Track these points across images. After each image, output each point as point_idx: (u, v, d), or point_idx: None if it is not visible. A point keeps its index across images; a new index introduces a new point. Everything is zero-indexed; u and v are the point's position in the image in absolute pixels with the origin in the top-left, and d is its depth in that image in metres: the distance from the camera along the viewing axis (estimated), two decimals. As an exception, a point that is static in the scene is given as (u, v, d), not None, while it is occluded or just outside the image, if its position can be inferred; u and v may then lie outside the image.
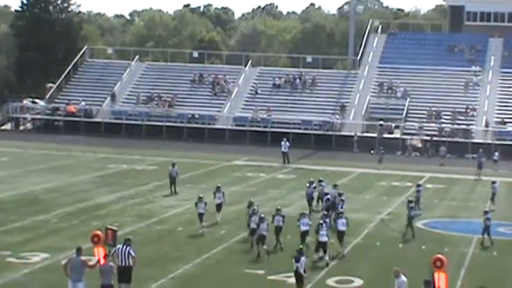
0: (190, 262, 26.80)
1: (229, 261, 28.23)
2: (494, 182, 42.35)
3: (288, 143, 56.49)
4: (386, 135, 65.28)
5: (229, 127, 68.49)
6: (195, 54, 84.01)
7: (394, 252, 30.98)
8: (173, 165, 42.39)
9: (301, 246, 24.77)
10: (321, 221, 28.80)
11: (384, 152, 55.92)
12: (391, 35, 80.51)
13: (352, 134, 65.78)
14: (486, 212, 32.57)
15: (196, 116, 69.60)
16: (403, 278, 21.51)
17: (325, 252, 28.02)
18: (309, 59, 78.69)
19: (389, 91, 70.86)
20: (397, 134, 66.02)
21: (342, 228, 29.59)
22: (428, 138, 63.92)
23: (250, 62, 78.00)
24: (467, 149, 62.90)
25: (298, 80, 73.59)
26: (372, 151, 63.33)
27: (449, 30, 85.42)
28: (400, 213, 37.86)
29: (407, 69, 73.39)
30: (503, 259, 30.41)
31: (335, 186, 37.65)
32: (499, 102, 68.54)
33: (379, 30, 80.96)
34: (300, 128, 66.53)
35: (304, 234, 29.36)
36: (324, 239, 28.07)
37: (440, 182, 48.89)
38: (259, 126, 67.73)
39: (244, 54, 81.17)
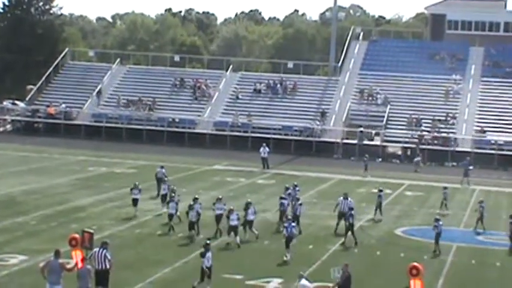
0: (169, 266, 26.71)
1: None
2: (445, 188, 42.90)
3: (267, 148, 56.51)
4: (366, 142, 65.42)
5: (210, 131, 68.40)
6: (177, 58, 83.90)
7: (372, 260, 31.02)
8: (161, 167, 42.71)
9: (207, 241, 24.91)
10: (231, 207, 32.05)
11: (368, 160, 55.99)
12: (373, 42, 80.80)
13: (333, 140, 65.86)
14: (437, 220, 32.47)
15: (177, 120, 69.45)
16: (304, 281, 21.33)
17: (236, 234, 31.06)
18: (290, 64, 78.80)
19: (370, 98, 71.06)
20: (377, 141, 66.18)
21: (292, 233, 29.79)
22: (413, 146, 63.98)
23: (231, 66, 77.99)
24: (447, 157, 63.20)
25: (279, 86, 73.64)
26: (352, 158, 63.48)
27: (430, 38, 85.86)
28: (379, 220, 37.90)
29: (388, 76, 73.66)
30: (481, 268, 30.53)
31: (295, 186, 38.55)
32: (479, 110, 68.89)
33: (361, 37, 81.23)
34: (280, 134, 66.55)
35: (218, 217, 32.77)
36: (235, 223, 31.11)
37: (420, 190, 49.03)
38: (240, 131, 67.69)
39: (226, 59, 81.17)
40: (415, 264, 21.82)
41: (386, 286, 25.86)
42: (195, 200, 33.36)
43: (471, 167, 53.50)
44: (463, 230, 37.98)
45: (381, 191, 39.47)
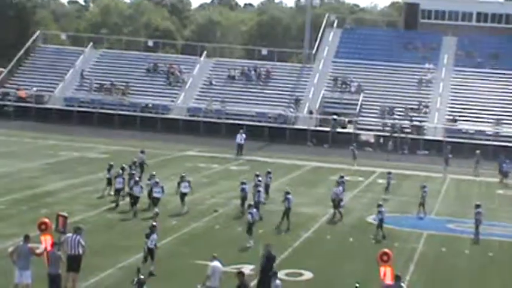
0: (140, 252, 26.51)
1: (179, 252, 28.08)
2: (389, 173, 43.60)
3: (244, 135, 56.44)
4: (339, 130, 65.52)
5: (183, 117, 68.11)
6: (150, 43, 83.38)
7: (344, 246, 31.09)
8: (142, 152, 42.85)
9: (154, 224, 25.27)
10: (157, 180, 34.51)
11: (355, 148, 56.02)
12: (347, 30, 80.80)
13: (306, 127, 65.88)
14: (379, 205, 32.84)
15: (150, 105, 69.05)
16: (216, 263, 21.62)
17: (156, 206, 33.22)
18: (265, 51, 78.65)
19: (344, 86, 71.10)
20: (350, 129, 66.29)
21: None
22: (386, 134, 64.18)
23: (205, 52, 77.63)
24: (419, 145, 63.53)
25: (253, 72, 73.48)
26: (325, 145, 63.57)
27: (404, 27, 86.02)
28: (351, 207, 37.99)
29: (362, 64, 73.73)
30: (451, 255, 30.72)
31: (268, 173, 39.30)
32: (452, 99, 69.23)
33: (335, 24, 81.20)
34: (254, 120, 66.42)
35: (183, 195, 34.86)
36: (158, 195, 33.92)
37: (394, 178, 49.09)
38: (213, 118, 67.46)
39: (200, 45, 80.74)
40: (386, 250, 21.86)
41: (359, 272, 25.90)
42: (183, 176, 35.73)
43: (450, 155, 53.86)
44: (433, 218, 38.15)
45: (342, 177, 39.51)
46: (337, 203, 36.10)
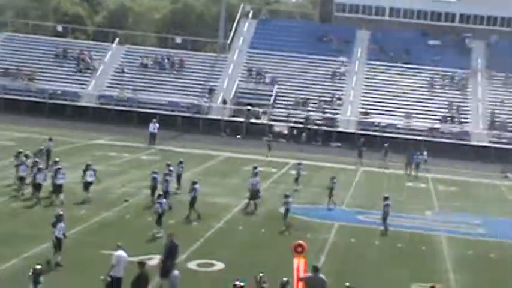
0: (46, 242, 25.72)
1: (87, 242, 27.40)
2: (299, 164, 43.85)
3: (157, 124, 55.79)
4: (253, 121, 65.44)
5: (94, 105, 66.84)
6: (59, 28, 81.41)
7: (257, 237, 30.94)
8: (50, 139, 41.98)
9: (60, 213, 24.86)
10: (59, 167, 33.84)
11: (271, 139, 56.04)
12: (262, 21, 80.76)
13: (220, 117, 65.59)
14: (286, 196, 33.01)
15: (59, 92, 67.43)
16: (121, 252, 21.46)
17: (60, 193, 32.93)
18: (178, 40, 77.93)
19: (258, 77, 71.05)
20: (264, 120, 66.28)
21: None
22: (300, 125, 64.44)
23: (117, 39, 76.34)
24: (332, 137, 64.03)
25: (166, 61, 72.69)
26: (238, 136, 63.41)
27: (319, 20, 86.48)
28: (264, 198, 37.84)
29: (276, 55, 73.76)
30: (361, 246, 30.95)
31: (180, 163, 39.01)
32: (364, 93, 70.01)
33: (250, 15, 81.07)
34: (167, 110, 65.70)
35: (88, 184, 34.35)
36: (61, 181, 33.32)
37: (304, 169, 49.21)
38: (125, 106, 66.43)
39: (111, 31, 79.34)
40: (300, 242, 21.73)
41: (270, 263, 25.76)
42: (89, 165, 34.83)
43: (364, 148, 54.47)
44: (344, 209, 38.41)
45: (255, 168, 39.41)
46: (254, 193, 35.93)
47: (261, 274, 20.25)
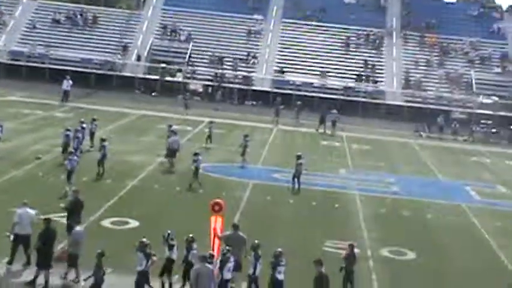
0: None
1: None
2: (211, 122, 44.23)
3: (70, 81, 54.90)
4: (168, 79, 64.82)
5: (4, 61, 64.96)
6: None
7: (172, 195, 30.81)
8: (94, 120, 40.44)
9: None
10: None
11: (188, 98, 55.67)
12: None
13: (134, 75, 64.74)
14: (196, 154, 33.03)
15: (-32, 47, 65.37)
16: (25, 209, 21.37)
17: None
18: (92, -5, 76.25)
19: (173, 34, 70.24)
20: (179, 78, 65.69)
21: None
22: (214, 83, 64.17)
23: (29, -6, 74.14)
24: (247, 96, 64.01)
25: (79, 17, 71.06)
26: (153, 93, 62.79)
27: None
28: (179, 157, 37.55)
29: (191, 13, 72.89)
30: (276, 204, 31.17)
31: (94, 120, 38.60)
32: (280, 51, 70.01)
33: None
34: (80, 66, 64.38)
35: None
36: None
37: (220, 127, 49.16)
38: (37, 62, 64.83)
39: (23, -15, 76.92)
40: (218, 200, 21.66)
41: (185, 222, 25.69)
42: None
43: (281, 107, 54.75)
44: (259, 167, 38.57)
45: (170, 126, 39.13)
46: (171, 152, 35.62)
47: (168, 231, 20.20)
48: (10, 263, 20.86)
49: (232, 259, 19.54)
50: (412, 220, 30.96)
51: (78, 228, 20.87)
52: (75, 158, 29.98)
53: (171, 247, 19.97)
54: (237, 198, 30.86)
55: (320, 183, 35.95)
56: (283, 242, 24.78)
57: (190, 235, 20.09)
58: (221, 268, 19.36)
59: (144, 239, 19.19)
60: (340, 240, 26.01)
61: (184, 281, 20.07)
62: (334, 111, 54.90)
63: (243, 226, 22.67)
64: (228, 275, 19.47)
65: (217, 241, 20.98)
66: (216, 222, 21.20)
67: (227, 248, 19.86)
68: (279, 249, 19.66)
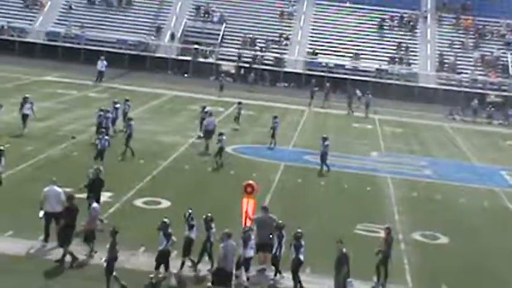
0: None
1: (34, 177, 27.12)
2: (239, 103, 43.81)
3: (105, 62, 55.33)
4: (201, 60, 64.96)
5: (41, 41, 65.53)
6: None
7: (203, 176, 30.98)
8: (127, 100, 40.68)
9: (1, 148, 25.10)
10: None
11: (222, 80, 56.14)
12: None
13: (167, 56, 64.96)
14: (221, 134, 33.12)
15: (6, 27, 65.93)
16: (51, 187, 21.43)
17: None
18: (126, -24, 76.36)
19: (206, 15, 70.29)
20: (211, 59, 65.78)
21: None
22: (247, 65, 64.19)
23: (65, -25, 74.49)
24: (279, 77, 63.95)
25: (114, -2, 71.36)
26: (186, 74, 63.01)
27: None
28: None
29: (225, -6, 72.85)
30: (307, 186, 31.22)
31: (127, 100, 38.76)
32: (312, 33, 69.77)
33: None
34: (114, 47, 64.70)
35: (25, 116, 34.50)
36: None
37: (252, 109, 49.27)
38: (73, 43, 65.30)
39: (59, -34, 77.34)
40: (250, 182, 21.68)
41: (217, 202, 25.88)
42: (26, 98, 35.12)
43: (316, 89, 54.86)
44: (291, 149, 38.61)
45: (204, 107, 39.28)
46: (207, 133, 35.71)
47: (189, 211, 20.33)
48: (45, 240, 21.15)
49: (252, 237, 19.72)
50: (444, 204, 30.83)
51: (95, 204, 21.04)
52: (106, 137, 30.26)
53: (191, 227, 20.11)
54: (268, 179, 30.92)
55: (352, 166, 35.90)
56: (315, 225, 24.91)
57: (209, 214, 20.21)
58: (245, 246, 19.55)
59: (166, 219, 19.34)
60: (372, 223, 26.04)
61: (200, 257, 20.21)
62: (368, 93, 54.76)
63: (274, 208, 22.82)
64: (250, 253, 19.70)
65: (248, 223, 21.10)
66: (248, 205, 21.27)
67: (249, 226, 20.01)
68: (299, 230, 19.74)
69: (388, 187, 32.39)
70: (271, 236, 20.37)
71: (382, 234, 21.09)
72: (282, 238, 19.88)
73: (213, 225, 20.06)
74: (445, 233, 26.19)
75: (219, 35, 67.58)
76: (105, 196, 24.26)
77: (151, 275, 19.07)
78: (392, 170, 35.76)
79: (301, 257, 19.49)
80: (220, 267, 18.72)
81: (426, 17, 71.84)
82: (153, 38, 66.73)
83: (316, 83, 57.79)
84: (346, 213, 27.66)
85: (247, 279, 19.57)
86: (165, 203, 25.99)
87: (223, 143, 32.84)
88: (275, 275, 20.22)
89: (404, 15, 71.50)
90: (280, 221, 20.41)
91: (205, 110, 38.53)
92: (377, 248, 20.58)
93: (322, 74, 63.21)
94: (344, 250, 18.97)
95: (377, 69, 64.62)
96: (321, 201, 29.08)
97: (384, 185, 32.74)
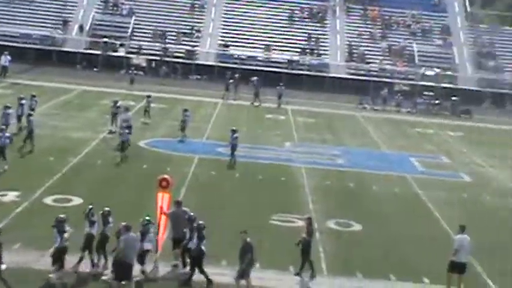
0: None
1: None
2: (149, 96, 43.11)
3: (9, 57, 53.84)
4: (110, 53, 63.88)
5: None
6: None
7: (116, 171, 30.37)
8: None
9: None
10: None
11: (135, 73, 55.53)
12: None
13: (75, 50, 63.65)
14: (128, 127, 32.81)
15: None
16: None
17: None
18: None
19: (115, 8, 69.17)
20: (121, 53, 64.77)
21: None
22: (158, 58, 63.46)
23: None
24: (191, 70, 63.49)
25: (18, -9, 69.46)
26: (95, 68, 61.89)
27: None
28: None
29: (133, -14, 71.83)
30: (221, 178, 30.99)
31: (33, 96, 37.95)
32: (224, 25, 69.47)
33: None
34: (18, 42, 63.01)
35: None
36: None
37: (163, 102, 48.68)
38: (-25, 38, 63.39)
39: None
40: (165, 176, 21.27)
41: (130, 198, 25.38)
42: None
43: (231, 81, 54.54)
44: (205, 142, 38.29)
45: (116, 102, 38.59)
46: (129, 129, 34.92)
47: (90, 207, 19.85)
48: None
49: (151, 230, 19.62)
50: (357, 192, 31.06)
51: None
52: (7, 134, 29.32)
53: (92, 223, 19.64)
54: (182, 173, 30.53)
55: (265, 157, 35.83)
56: (229, 216, 24.71)
57: (107, 208, 19.79)
58: (142, 239, 19.38)
59: (61, 215, 18.86)
60: (287, 213, 25.97)
61: (99, 253, 19.78)
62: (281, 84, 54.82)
63: (189, 201, 22.48)
64: (148, 246, 19.62)
65: (163, 218, 20.71)
66: (163, 199, 20.86)
67: (147, 219, 19.79)
68: (201, 222, 19.67)
69: (302, 177, 32.42)
70: (185, 230, 20.09)
71: (302, 223, 21.05)
72: (202, 239, 19.64)
73: (110, 219, 19.65)
74: (358, 220, 26.36)
75: (128, 28, 66.60)
76: (11, 195, 23.43)
77: (51, 275, 18.54)
78: (306, 160, 35.83)
79: (203, 248, 19.41)
80: (119, 260, 18.33)
81: (335, 8, 72.44)
82: (59, 31, 65.23)
83: (232, 75, 57.52)
84: (261, 203, 27.50)
85: (143, 272, 19.39)
86: (77, 200, 25.29)
87: (127, 137, 32.31)
88: (184, 266, 20.05)
89: (314, 7, 71.95)
90: (192, 213, 20.13)
91: (118, 104, 37.82)
92: (298, 238, 20.57)
93: (235, 66, 63.01)
94: (248, 240, 19.07)
95: (288, 60, 64.83)
96: (236, 193, 28.88)
97: (298, 175, 32.76)
